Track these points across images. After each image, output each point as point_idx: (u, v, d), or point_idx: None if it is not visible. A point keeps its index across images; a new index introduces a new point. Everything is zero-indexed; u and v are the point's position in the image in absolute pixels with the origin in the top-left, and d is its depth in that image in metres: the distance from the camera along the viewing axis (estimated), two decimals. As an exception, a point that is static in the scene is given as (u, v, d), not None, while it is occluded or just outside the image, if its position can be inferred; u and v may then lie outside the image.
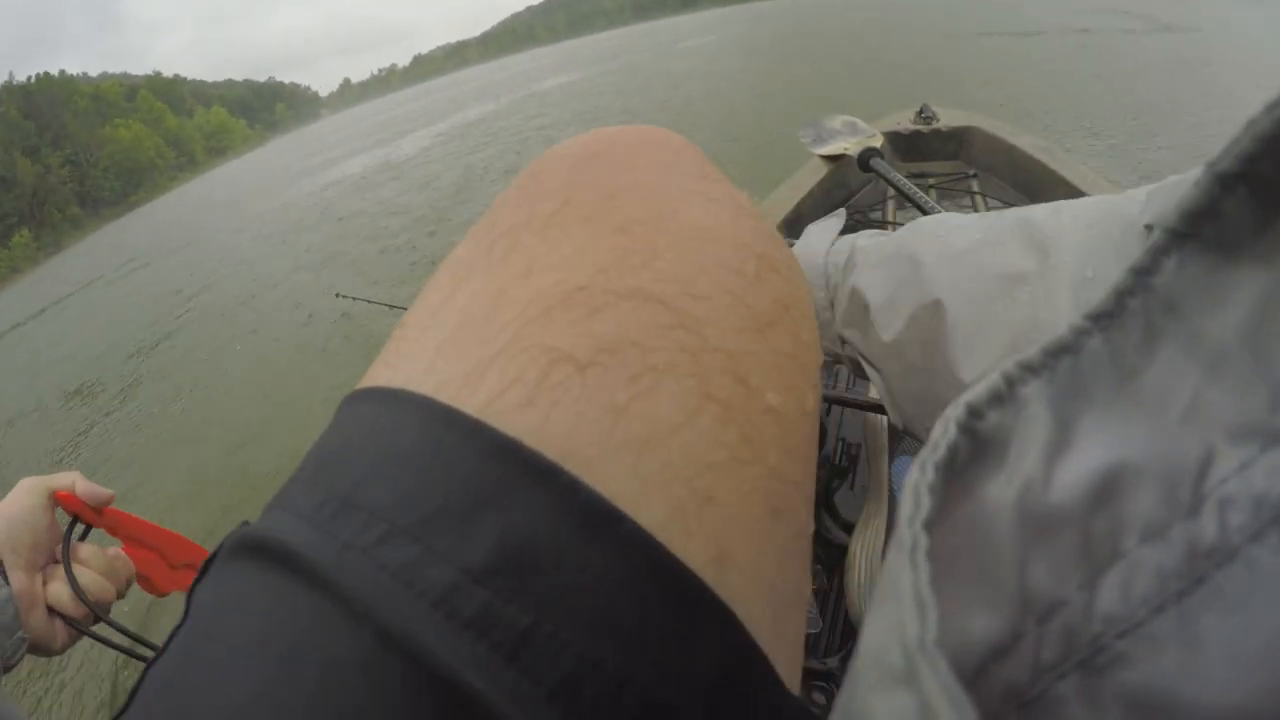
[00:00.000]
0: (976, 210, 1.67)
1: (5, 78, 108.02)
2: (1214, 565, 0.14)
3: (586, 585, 0.17)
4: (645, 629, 0.18)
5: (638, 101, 12.50)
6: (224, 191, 29.86)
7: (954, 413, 0.16)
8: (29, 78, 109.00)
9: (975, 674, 0.15)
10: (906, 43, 13.97)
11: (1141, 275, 0.16)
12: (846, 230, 0.57)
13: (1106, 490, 0.15)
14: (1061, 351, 0.16)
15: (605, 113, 12.13)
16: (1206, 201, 0.15)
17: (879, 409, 0.86)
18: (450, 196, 8.73)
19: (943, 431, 0.15)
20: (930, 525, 0.14)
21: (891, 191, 1.55)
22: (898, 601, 0.12)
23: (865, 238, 0.51)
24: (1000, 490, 0.16)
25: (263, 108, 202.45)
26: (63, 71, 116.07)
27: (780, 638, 0.21)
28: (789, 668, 0.22)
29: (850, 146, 1.74)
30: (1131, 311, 0.16)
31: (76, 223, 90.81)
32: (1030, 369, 0.16)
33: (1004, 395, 0.16)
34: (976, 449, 0.16)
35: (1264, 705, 0.13)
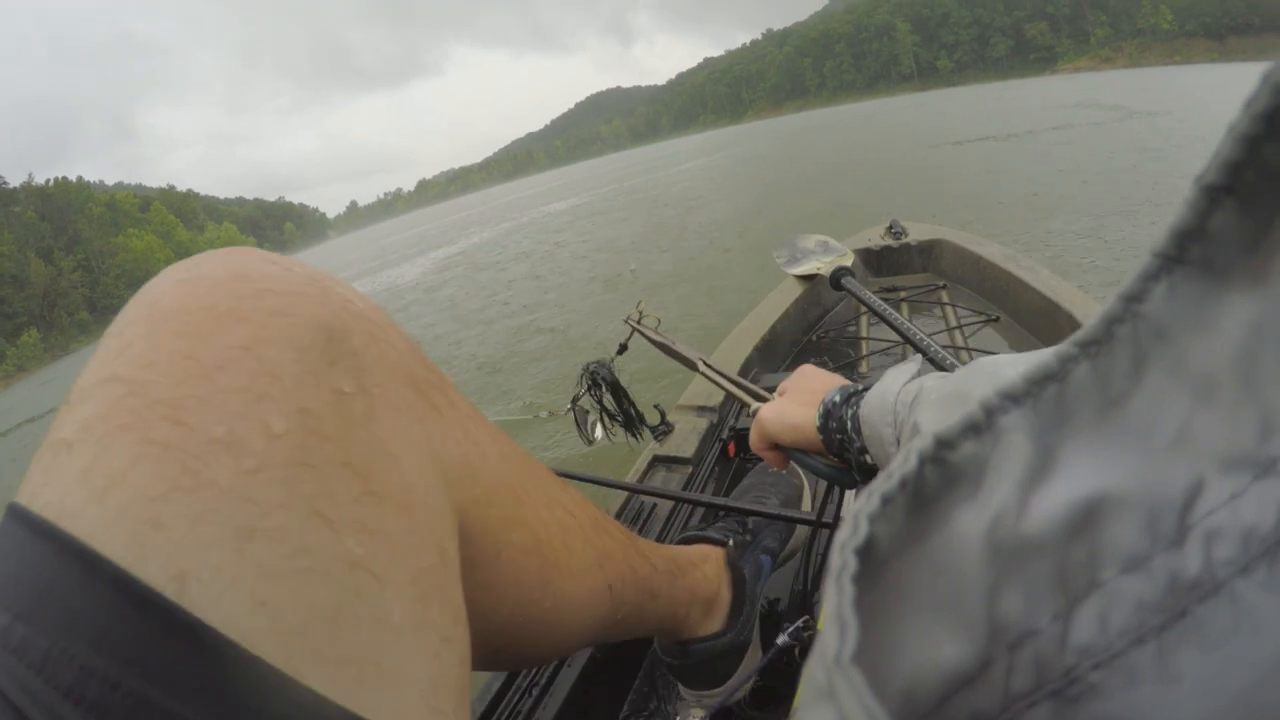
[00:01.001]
0: (946, 321, 1.78)
1: (25, 178, 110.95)
2: (1196, 599, 0.14)
3: (82, 611, 0.23)
4: (127, 642, 0.23)
5: (636, 222, 12.93)
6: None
7: (919, 444, 0.16)
8: (47, 180, 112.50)
9: (940, 700, 0.15)
10: (884, 156, 14.61)
11: (1130, 302, 0.16)
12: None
13: (1085, 519, 0.15)
14: (1046, 379, 0.16)
15: (606, 233, 12.55)
16: (1195, 219, 0.15)
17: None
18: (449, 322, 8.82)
19: (902, 462, 0.15)
20: (865, 551, 0.14)
21: (864, 308, 1.61)
22: (826, 622, 0.12)
23: (933, 378, 0.53)
24: (971, 520, 0.16)
25: (272, 226, 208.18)
26: (80, 178, 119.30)
27: (299, 641, 0.25)
28: (350, 673, 0.26)
29: (823, 266, 1.85)
30: (1120, 339, 0.16)
31: (84, 327, 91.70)
32: (1012, 398, 0.16)
33: (981, 425, 0.16)
34: (948, 479, 0.16)
35: None
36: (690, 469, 1.22)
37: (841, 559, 0.13)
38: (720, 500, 0.97)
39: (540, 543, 0.45)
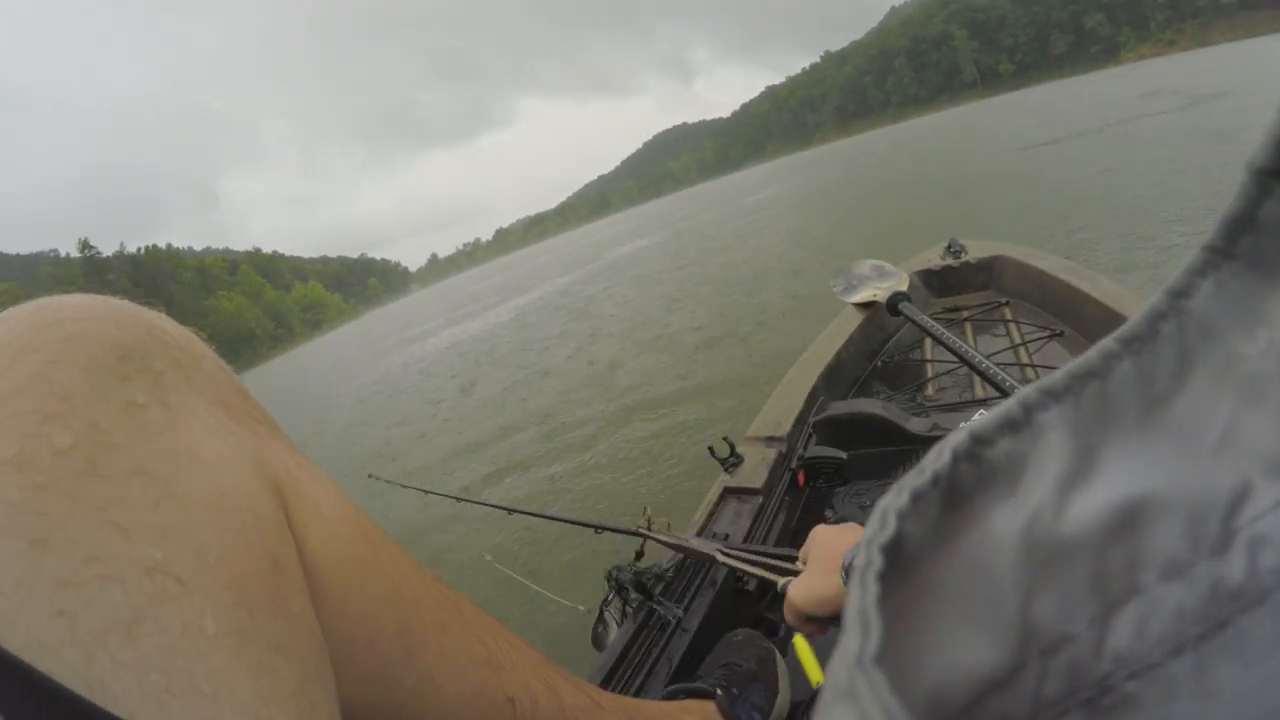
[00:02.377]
0: (1010, 338, 1.76)
1: (116, 247, 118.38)
2: (1239, 609, 0.14)
3: None
4: None
5: (707, 259, 12.98)
6: (313, 366, 31.37)
7: (954, 439, 0.15)
8: (139, 248, 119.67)
9: (967, 705, 0.15)
10: (951, 170, 14.33)
11: (1176, 297, 0.15)
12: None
13: (1126, 522, 0.15)
14: (1088, 376, 0.15)
15: (679, 269, 12.64)
16: (1245, 208, 0.14)
17: None
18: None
19: (935, 458, 0.15)
20: (891, 548, 0.14)
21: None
22: (849, 621, 0.12)
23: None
24: (1007, 519, 0.15)
25: (355, 282, 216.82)
26: (169, 244, 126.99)
27: (98, 650, 0.25)
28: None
29: (879, 293, 1.86)
30: (1164, 336, 0.15)
31: None
32: (1052, 394, 0.15)
33: (1019, 422, 0.15)
34: (983, 477, 0.15)
35: None
36: (760, 499, 1.24)
37: (867, 556, 0.13)
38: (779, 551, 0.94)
39: (401, 599, 0.44)
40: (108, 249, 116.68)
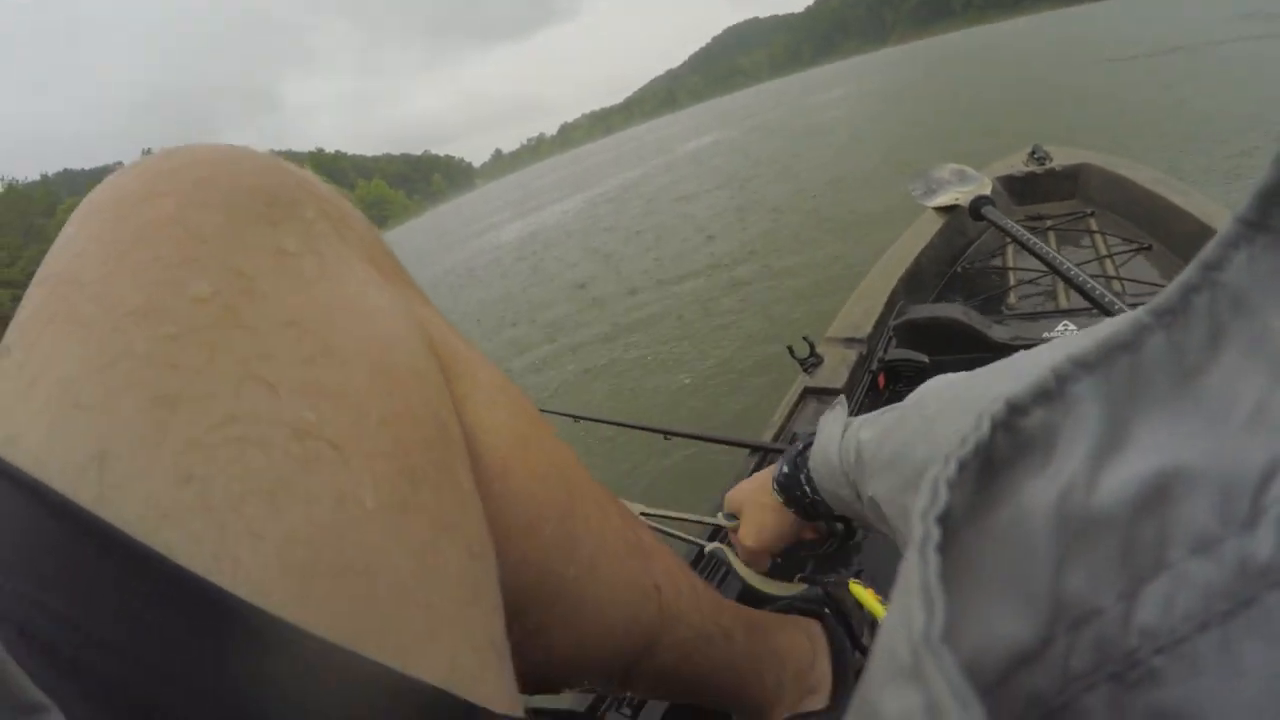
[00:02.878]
0: (1096, 250, 1.72)
1: None
2: (1267, 586, 0.14)
3: (9, 536, 0.22)
4: (49, 562, 0.21)
5: (778, 156, 12.62)
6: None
7: (991, 408, 0.15)
8: None
9: (1000, 678, 0.15)
10: (1036, 80, 13.47)
11: (1209, 270, 0.15)
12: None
13: (1156, 496, 0.15)
14: (1120, 348, 0.15)
15: (751, 166, 12.28)
16: (1278, 178, 0.14)
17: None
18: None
19: (974, 427, 0.15)
20: (945, 519, 0.13)
21: (1009, 238, 1.60)
22: (908, 595, 0.12)
23: (866, 430, 0.52)
24: (1041, 491, 0.15)
25: (420, 179, 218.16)
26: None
27: (231, 518, 0.23)
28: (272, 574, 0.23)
29: (961, 197, 1.82)
30: (1197, 309, 0.15)
31: None
32: (1085, 365, 0.15)
33: (1053, 392, 0.15)
34: (1018, 448, 0.15)
35: None
36: (842, 399, 1.23)
37: (924, 528, 0.13)
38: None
39: (563, 478, 0.42)
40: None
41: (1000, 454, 0.15)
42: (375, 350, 0.29)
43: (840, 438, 0.56)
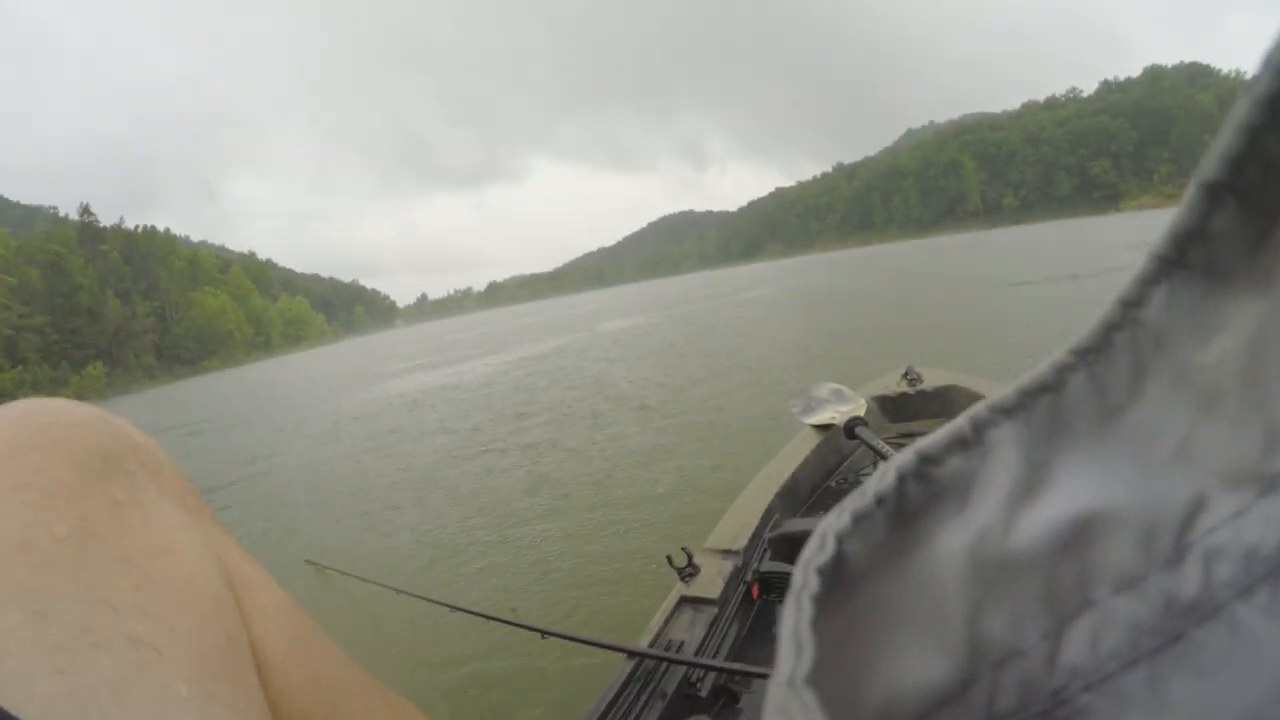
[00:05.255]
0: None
1: (116, 220, 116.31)
2: (1193, 622, 0.14)
3: None
4: None
5: (693, 346, 13.07)
6: (287, 380, 30.92)
7: (901, 460, 0.15)
8: (137, 226, 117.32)
9: (918, 718, 0.15)
10: (938, 296, 14.75)
11: (1129, 307, 0.15)
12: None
13: (1077, 536, 0.15)
14: (1040, 391, 0.15)
15: (667, 353, 12.68)
16: (1195, 220, 0.14)
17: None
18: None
19: (879, 479, 0.15)
20: (831, 569, 0.14)
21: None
22: (782, 642, 0.12)
23: None
24: (954, 537, 0.15)
25: (342, 306, 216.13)
26: (167, 230, 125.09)
27: (91, 705, 0.30)
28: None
29: (837, 416, 1.90)
30: (1118, 346, 0.15)
31: (149, 372, 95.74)
32: (1004, 410, 0.15)
33: (969, 440, 0.15)
34: (932, 496, 0.15)
35: None
36: (716, 610, 1.29)
37: (803, 577, 0.13)
38: (732, 665, 1.00)
39: (332, 679, 0.48)
40: (107, 219, 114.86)
41: (913, 503, 0.15)
42: (183, 580, 0.37)
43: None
